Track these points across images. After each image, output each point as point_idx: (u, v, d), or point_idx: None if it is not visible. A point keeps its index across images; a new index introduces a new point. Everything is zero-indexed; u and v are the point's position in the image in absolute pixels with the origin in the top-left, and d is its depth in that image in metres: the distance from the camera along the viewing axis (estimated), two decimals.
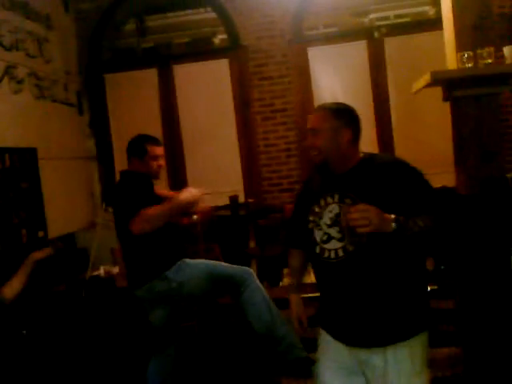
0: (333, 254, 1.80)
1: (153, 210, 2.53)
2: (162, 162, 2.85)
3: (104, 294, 3.66)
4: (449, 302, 2.59)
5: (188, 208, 2.75)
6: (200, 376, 3.23)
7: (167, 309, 2.80)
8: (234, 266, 2.89)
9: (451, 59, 2.47)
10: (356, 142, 1.88)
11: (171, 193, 2.98)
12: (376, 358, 1.76)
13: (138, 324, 3.16)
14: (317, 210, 1.87)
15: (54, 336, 3.20)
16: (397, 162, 1.91)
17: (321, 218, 1.85)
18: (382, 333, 1.76)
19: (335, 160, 1.85)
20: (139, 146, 2.85)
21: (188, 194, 2.63)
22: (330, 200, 1.85)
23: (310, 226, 1.87)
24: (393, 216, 1.66)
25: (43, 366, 3.17)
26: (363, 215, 1.62)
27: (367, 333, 1.77)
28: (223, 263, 2.95)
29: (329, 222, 1.83)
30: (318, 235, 1.84)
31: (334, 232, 1.81)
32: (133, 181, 2.75)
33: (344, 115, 1.88)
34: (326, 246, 1.82)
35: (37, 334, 3.31)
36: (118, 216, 2.70)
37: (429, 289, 2.83)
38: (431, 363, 2.50)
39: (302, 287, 2.08)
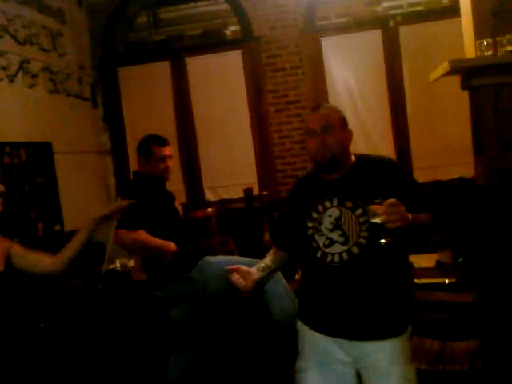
0: (337, 258, 1.80)
1: (147, 240, 2.61)
2: (168, 163, 2.82)
3: (120, 287, 3.68)
4: (467, 295, 2.56)
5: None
6: (214, 368, 3.25)
7: (190, 306, 2.82)
8: (254, 259, 2.89)
9: (469, 47, 2.42)
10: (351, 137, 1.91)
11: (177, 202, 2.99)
12: (375, 350, 1.80)
13: (156, 319, 3.17)
14: (315, 215, 1.86)
15: (71, 329, 3.22)
16: (390, 162, 1.96)
17: (320, 223, 1.84)
18: (383, 326, 1.81)
19: (340, 159, 1.83)
20: (145, 146, 2.84)
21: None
22: (328, 204, 1.84)
23: (310, 232, 1.86)
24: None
25: (60, 359, 3.20)
26: (396, 210, 1.61)
27: (369, 327, 1.81)
28: (243, 258, 2.94)
29: (330, 227, 1.82)
30: (321, 240, 1.84)
31: (336, 236, 1.81)
32: (147, 189, 2.75)
33: (343, 114, 1.90)
34: (329, 250, 1.82)
35: (54, 328, 3.35)
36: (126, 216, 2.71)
37: (447, 282, 2.83)
38: (450, 357, 2.49)
39: (268, 273, 2.04)
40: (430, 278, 2.82)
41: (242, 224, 4.45)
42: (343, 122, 1.87)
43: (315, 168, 1.89)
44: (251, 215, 4.45)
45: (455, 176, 4.28)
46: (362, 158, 1.91)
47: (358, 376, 1.89)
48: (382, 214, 1.62)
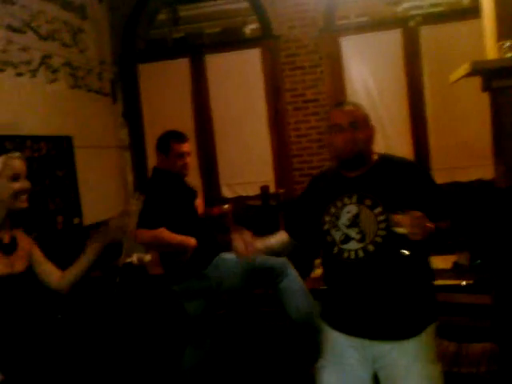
0: (353, 255, 1.80)
1: (168, 237, 2.62)
2: (186, 159, 2.82)
3: (137, 280, 3.72)
4: (484, 297, 2.54)
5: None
6: (227, 364, 3.26)
7: (204, 301, 2.84)
8: (271, 256, 2.90)
9: (491, 48, 2.41)
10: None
11: (199, 201, 3.02)
12: (395, 349, 1.79)
13: (171, 312, 3.20)
14: (333, 210, 1.86)
15: (89, 321, 3.27)
16: (413, 164, 1.95)
17: (338, 218, 1.85)
18: (402, 326, 1.80)
19: (366, 156, 1.84)
20: (164, 142, 2.84)
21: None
22: (347, 201, 1.85)
23: (326, 226, 1.87)
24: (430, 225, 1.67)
25: (77, 351, 3.24)
26: (420, 223, 1.62)
27: (387, 327, 1.80)
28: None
29: (347, 223, 1.83)
30: (337, 235, 1.84)
31: (353, 233, 1.81)
32: (165, 186, 2.76)
33: (366, 111, 1.91)
34: (345, 246, 1.82)
35: (72, 319, 3.39)
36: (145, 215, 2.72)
37: (464, 283, 2.81)
38: (466, 359, 2.48)
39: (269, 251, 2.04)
40: (447, 280, 2.81)
41: (258, 221, 4.46)
42: (368, 118, 1.88)
43: (339, 164, 1.89)
44: (267, 213, 4.46)
45: (474, 178, 4.25)
46: (385, 158, 1.91)
47: (375, 378, 1.89)
48: (407, 226, 1.63)
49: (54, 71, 4.05)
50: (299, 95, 4.72)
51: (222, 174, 4.96)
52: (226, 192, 4.94)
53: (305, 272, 3.14)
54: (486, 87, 2.45)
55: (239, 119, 4.85)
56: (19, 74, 3.64)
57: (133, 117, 5.05)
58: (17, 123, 3.52)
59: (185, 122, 4.88)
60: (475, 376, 2.38)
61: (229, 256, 2.84)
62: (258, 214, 4.51)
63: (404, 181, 1.81)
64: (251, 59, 4.81)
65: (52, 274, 2.02)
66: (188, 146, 2.85)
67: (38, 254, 2.01)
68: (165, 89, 4.98)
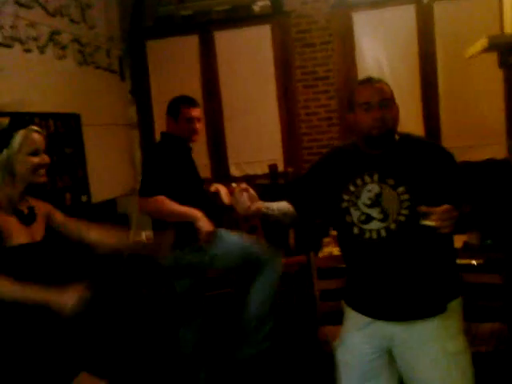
0: (374, 235, 1.77)
1: (168, 205, 2.53)
2: (197, 124, 2.75)
3: (145, 258, 3.73)
4: (495, 277, 2.52)
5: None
6: (231, 344, 3.27)
7: (192, 280, 2.81)
8: (265, 247, 2.85)
9: (509, 23, 2.34)
10: None
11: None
12: (412, 328, 1.77)
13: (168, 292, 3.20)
14: (352, 189, 1.82)
15: (96, 297, 3.29)
16: (436, 145, 1.89)
17: (358, 197, 1.80)
18: (420, 306, 1.77)
19: (393, 134, 1.80)
20: (174, 106, 2.79)
21: (205, 224, 2.55)
22: (368, 179, 1.79)
23: (345, 205, 1.82)
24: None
25: (83, 327, 3.27)
26: (449, 217, 1.59)
27: (409, 307, 1.78)
28: (256, 245, 2.89)
29: (368, 203, 1.78)
30: (355, 215, 1.80)
31: (375, 213, 1.77)
32: (169, 151, 2.70)
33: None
34: (366, 226, 1.78)
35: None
36: (144, 179, 2.66)
37: (474, 263, 2.78)
38: (475, 338, 2.46)
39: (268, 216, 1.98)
40: (458, 259, 2.79)
41: (266, 200, 4.44)
42: (394, 96, 1.82)
43: (365, 141, 1.83)
44: (276, 191, 4.44)
45: (486, 157, 4.19)
46: (406, 136, 1.85)
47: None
48: (436, 220, 1.60)
49: (63, 48, 4.01)
50: (309, 73, 4.65)
51: (230, 152, 4.93)
52: (234, 171, 4.92)
53: (315, 248, 3.13)
54: (502, 63, 2.38)
55: (248, 97, 4.80)
56: (27, 51, 3.61)
57: (141, 94, 5.02)
58: (25, 100, 3.50)
59: None
60: (484, 355, 2.38)
61: (226, 235, 2.81)
62: (266, 192, 4.48)
63: (427, 162, 1.76)
64: (261, 36, 4.75)
65: (82, 230, 2.05)
66: (198, 111, 2.79)
67: (59, 217, 2.03)
68: (173, 66, 4.93)
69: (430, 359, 1.75)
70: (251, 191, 1.87)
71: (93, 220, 2.81)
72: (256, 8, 5.59)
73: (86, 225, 2.10)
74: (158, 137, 4.97)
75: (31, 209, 1.92)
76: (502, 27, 2.63)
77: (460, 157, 4.64)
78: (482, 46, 2.26)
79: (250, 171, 4.88)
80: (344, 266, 1.98)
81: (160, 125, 5.04)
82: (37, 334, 1.83)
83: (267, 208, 1.93)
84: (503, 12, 2.46)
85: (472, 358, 1.80)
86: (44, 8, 3.82)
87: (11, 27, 3.44)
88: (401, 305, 1.78)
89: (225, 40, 4.86)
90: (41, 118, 3.62)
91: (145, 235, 3.87)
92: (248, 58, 4.77)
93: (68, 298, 1.71)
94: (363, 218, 1.79)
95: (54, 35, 3.90)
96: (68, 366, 1.90)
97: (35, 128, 1.87)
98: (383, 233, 1.75)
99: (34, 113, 3.55)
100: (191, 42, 4.91)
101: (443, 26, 4.34)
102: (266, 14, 4.71)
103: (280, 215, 1.97)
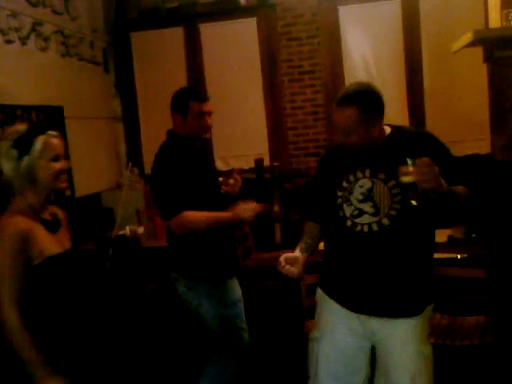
0: (366, 228, 1.78)
1: (195, 217, 2.30)
2: (208, 120, 2.45)
3: (129, 253, 3.70)
4: (479, 271, 2.54)
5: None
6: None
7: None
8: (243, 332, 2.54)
9: (494, 17, 2.35)
10: (382, 119, 1.82)
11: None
12: (393, 327, 1.80)
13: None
14: (345, 184, 1.83)
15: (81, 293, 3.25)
16: (427, 134, 1.89)
17: (351, 192, 1.82)
18: (405, 304, 1.80)
19: (368, 143, 1.79)
20: (181, 101, 2.48)
21: (247, 214, 2.33)
22: (360, 175, 1.81)
23: (339, 201, 1.84)
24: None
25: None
26: (428, 170, 1.58)
27: (390, 304, 1.80)
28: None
29: (360, 198, 1.80)
30: (348, 210, 1.82)
31: (366, 207, 1.79)
32: (174, 156, 2.41)
33: (372, 104, 1.75)
34: (358, 220, 1.80)
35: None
36: (157, 198, 2.42)
37: (459, 257, 2.81)
38: (459, 331, 2.49)
39: (311, 252, 1.96)
40: (442, 253, 2.81)
41: (252, 194, 4.42)
42: (368, 118, 1.73)
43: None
44: (261, 186, 4.43)
45: (470, 152, 4.22)
46: (398, 130, 1.85)
47: (372, 350, 1.90)
48: (414, 172, 1.59)
49: (45, 39, 3.94)
50: (295, 66, 4.64)
51: (216, 146, 4.90)
52: (220, 165, 4.89)
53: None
54: (487, 57, 2.39)
55: (234, 90, 4.76)
56: (8, 42, 3.54)
57: (125, 87, 4.96)
58: (6, 92, 3.44)
59: None
60: (469, 348, 2.40)
61: (232, 290, 2.54)
62: (251, 187, 4.47)
63: (418, 151, 1.75)
64: (247, 29, 4.71)
65: None
66: (209, 105, 2.49)
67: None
68: (158, 58, 4.88)
69: (405, 359, 1.80)
70: (288, 256, 1.82)
71: (77, 214, 2.76)
72: (242, 1, 5.56)
73: None
74: (142, 130, 5.01)
75: (55, 215, 1.87)
76: (487, 22, 2.64)
77: None
78: (467, 40, 2.27)
79: (236, 165, 4.84)
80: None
81: (144, 117, 5.00)
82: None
83: (306, 251, 1.91)
84: (488, 7, 2.47)
85: (458, 352, 1.83)
86: None
87: None
88: (383, 300, 1.79)
89: (210, 33, 4.82)
90: (23, 111, 3.56)
91: (129, 230, 3.86)
92: (234, 51, 4.74)
93: None
94: (356, 213, 1.80)
95: (36, 26, 3.83)
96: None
97: (54, 133, 1.81)
98: (375, 227, 1.76)
99: (16, 105, 3.49)
100: (176, 35, 4.85)
101: (428, 21, 4.36)
102: (252, 6, 4.67)
103: (316, 241, 1.99)
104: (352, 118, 1.72)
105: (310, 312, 2.71)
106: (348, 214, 1.81)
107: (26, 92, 3.65)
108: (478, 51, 2.60)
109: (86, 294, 1.84)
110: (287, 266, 1.79)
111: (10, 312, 1.66)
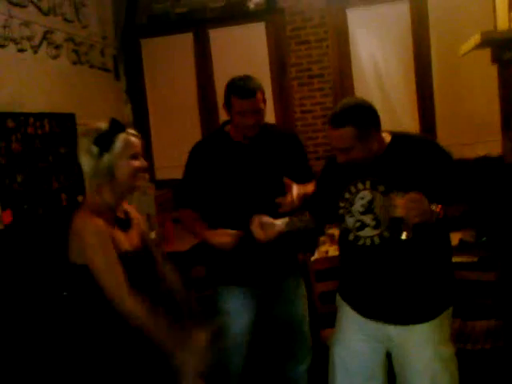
0: (368, 242, 1.78)
1: (186, 219, 2.30)
2: (249, 119, 2.20)
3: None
4: (490, 275, 2.52)
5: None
6: None
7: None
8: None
9: (502, 19, 2.34)
10: (380, 130, 1.80)
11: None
12: (409, 332, 1.79)
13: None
14: (347, 196, 1.83)
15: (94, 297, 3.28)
16: (430, 142, 1.85)
17: (352, 204, 1.81)
18: (416, 311, 1.79)
19: (369, 155, 1.79)
20: (226, 95, 2.31)
21: (217, 240, 2.17)
22: (360, 186, 1.80)
23: (341, 212, 1.84)
24: (435, 208, 1.62)
25: (82, 328, 3.26)
26: (416, 206, 1.57)
27: (403, 311, 1.80)
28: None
29: (361, 210, 1.80)
30: (350, 222, 1.82)
31: (368, 219, 1.78)
32: (199, 150, 2.35)
33: (366, 119, 1.74)
34: (361, 233, 1.79)
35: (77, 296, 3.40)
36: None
37: (470, 260, 2.78)
38: (470, 336, 2.47)
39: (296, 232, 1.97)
40: (453, 257, 2.79)
41: None
42: (364, 133, 1.72)
43: None
44: None
45: (481, 154, 4.19)
46: (400, 138, 1.82)
47: (388, 355, 1.89)
48: (402, 208, 1.58)
49: (57, 47, 3.99)
50: (305, 70, 4.64)
51: None
52: None
53: (309, 249, 3.13)
54: (496, 59, 2.38)
55: None
56: (21, 50, 3.59)
57: (136, 93, 5.00)
58: (19, 100, 3.49)
59: (188, 97, 4.84)
60: (480, 353, 2.38)
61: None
62: None
63: (421, 162, 1.73)
64: (256, 33, 4.72)
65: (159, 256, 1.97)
66: (252, 103, 2.21)
67: (145, 230, 1.99)
68: (168, 64, 4.92)
69: (424, 363, 1.77)
70: (264, 220, 1.83)
71: None
72: (250, 5, 5.58)
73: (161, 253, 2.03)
74: (153, 135, 5.04)
75: (127, 214, 1.88)
76: (495, 23, 2.63)
77: (455, 154, 4.65)
78: (475, 42, 2.26)
79: None
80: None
81: (155, 123, 5.04)
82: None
83: (287, 225, 1.92)
84: (496, 8, 2.45)
85: (469, 356, 1.82)
86: (37, 7, 3.80)
87: (4, 27, 3.42)
88: (397, 309, 1.78)
89: (219, 37, 4.84)
90: (35, 118, 3.61)
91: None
92: (243, 55, 4.75)
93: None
94: (358, 224, 1.79)
95: (47, 34, 3.88)
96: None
97: (133, 131, 1.83)
98: (377, 240, 1.76)
99: (28, 113, 3.54)
100: (186, 40, 4.89)
101: (437, 23, 4.33)
102: (261, 10, 4.69)
103: (303, 224, 1.99)
104: (349, 137, 1.70)
105: (325, 320, 2.69)
106: (351, 225, 1.81)
107: (38, 100, 3.69)
108: (488, 53, 2.59)
109: (151, 292, 1.79)
110: (258, 229, 1.81)
111: (131, 301, 1.63)
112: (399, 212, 1.58)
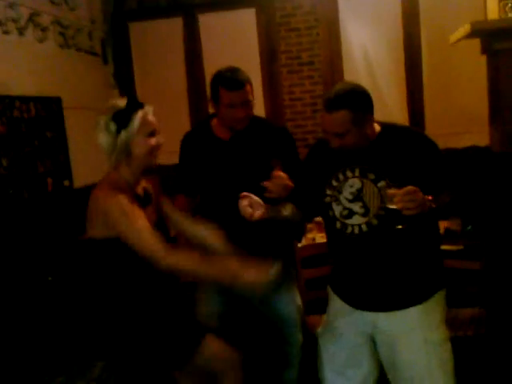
0: (356, 230, 1.78)
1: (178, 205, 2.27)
2: (239, 112, 2.15)
3: None
4: (475, 263, 2.55)
5: None
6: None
7: None
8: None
9: (493, 8, 2.35)
10: (373, 117, 1.80)
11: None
12: (395, 317, 1.78)
13: None
14: (334, 183, 1.82)
15: (81, 283, 3.27)
16: (418, 134, 1.87)
17: (340, 192, 1.80)
18: (403, 297, 1.80)
19: (360, 143, 1.78)
20: (213, 86, 2.22)
21: None
22: (349, 174, 1.80)
23: (328, 200, 1.83)
24: (429, 197, 1.63)
25: (68, 314, 3.25)
26: (413, 198, 1.58)
27: (388, 298, 1.81)
28: None
29: (350, 197, 1.79)
30: (337, 210, 1.81)
31: (356, 207, 1.78)
32: (185, 141, 2.39)
33: (362, 103, 1.73)
34: (348, 221, 1.79)
35: (63, 281, 3.39)
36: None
37: (455, 249, 2.81)
38: (454, 323, 2.50)
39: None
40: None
41: None
42: (359, 117, 1.70)
43: None
44: None
45: (468, 144, 4.22)
46: (389, 128, 1.82)
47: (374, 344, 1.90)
48: (399, 200, 1.59)
49: (43, 29, 3.92)
50: (294, 58, 4.62)
51: None
52: None
53: (297, 236, 3.12)
54: (485, 49, 2.38)
55: None
56: (6, 32, 3.52)
57: (124, 77, 4.94)
58: (5, 83, 3.43)
59: (177, 83, 4.80)
60: (463, 339, 2.41)
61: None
62: None
63: (409, 152, 1.74)
64: (246, 19, 4.68)
65: (188, 224, 2.01)
66: (242, 95, 2.16)
67: (168, 205, 2.00)
68: (157, 49, 4.86)
69: (412, 348, 1.77)
70: (253, 198, 1.84)
71: (75, 205, 2.75)
72: None
73: (192, 219, 2.04)
74: None
75: (146, 191, 1.90)
76: (486, 13, 2.63)
77: (443, 144, 4.67)
78: (465, 32, 2.26)
79: None
80: (326, 252, 1.99)
81: None
82: (163, 298, 1.84)
83: (272, 211, 1.90)
84: None
85: (452, 343, 1.83)
86: None
87: None
88: (385, 295, 1.80)
89: (209, 23, 4.79)
90: (21, 102, 3.55)
91: None
92: (232, 41, 4.71)
93: (259, 274, 1.65)
94: (345, 212, 1.79)
95: (33, 16, 3.81)
96: (195, 327, 1.89)
97: (151, 109, 1.84)
98: (364, 228, 1.77)
99: (14, 96, 3.48)
100: (175, 25, 4.83)
101: (428, 13, 4.33)
102: None
103: (287, 214, 1.95)
104: (345, 121, 1.69)
105: (311, 307, 2.70)
106: (337, 213, 1.81)
107: (24, 83, 3.64)
108: (478, 43, 2.59)
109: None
110: (245, 204, 1.82)
111: (170, 257, 1.66)
112: (396, 204, 1.60)
